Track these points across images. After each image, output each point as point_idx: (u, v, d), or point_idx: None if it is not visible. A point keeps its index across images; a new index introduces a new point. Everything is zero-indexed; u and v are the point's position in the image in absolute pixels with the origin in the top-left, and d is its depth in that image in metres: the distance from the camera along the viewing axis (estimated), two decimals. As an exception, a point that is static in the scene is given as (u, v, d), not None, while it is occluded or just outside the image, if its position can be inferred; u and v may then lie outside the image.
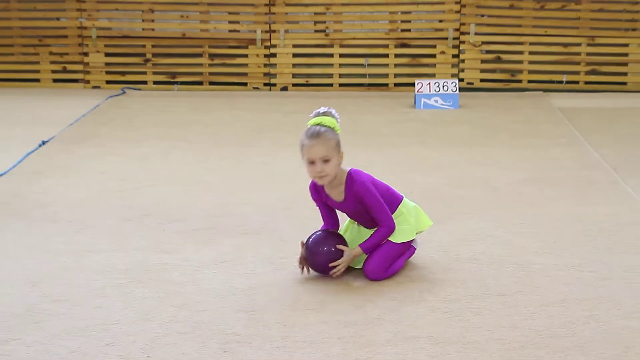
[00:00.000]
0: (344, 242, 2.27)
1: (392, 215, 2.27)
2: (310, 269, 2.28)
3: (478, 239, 2.58)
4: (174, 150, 3.82)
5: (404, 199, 2.34)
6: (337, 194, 2.27)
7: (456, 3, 5.32)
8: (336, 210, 2.34)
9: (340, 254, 2.23)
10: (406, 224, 2.30)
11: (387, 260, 2.26)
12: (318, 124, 2.21)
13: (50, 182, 3.26)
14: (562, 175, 3.34)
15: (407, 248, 2.32)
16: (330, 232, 2.30)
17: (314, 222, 2.64)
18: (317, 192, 2.32)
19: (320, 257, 2.23)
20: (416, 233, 2.34)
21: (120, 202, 2.99)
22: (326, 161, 2.19)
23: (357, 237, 2.34)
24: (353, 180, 2.22)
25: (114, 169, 3.48)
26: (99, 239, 2.60)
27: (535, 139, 4.02)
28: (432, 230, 2.65)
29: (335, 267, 2.23)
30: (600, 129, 4.21)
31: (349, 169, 2.27)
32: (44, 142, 3.87)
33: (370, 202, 2.22)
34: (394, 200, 2.30)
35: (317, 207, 2.35)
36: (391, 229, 2.25)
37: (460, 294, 2.15)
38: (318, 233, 2.29)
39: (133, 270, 2.33)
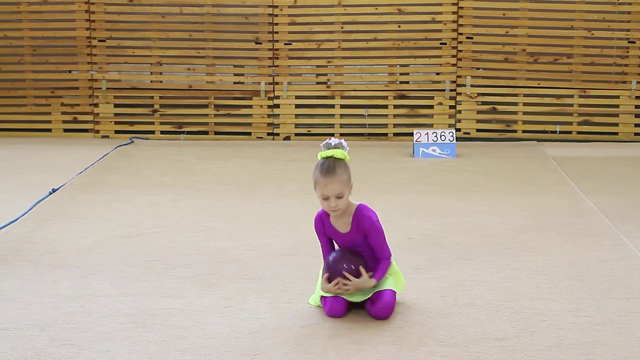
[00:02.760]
0: (364, 264, 2.34)
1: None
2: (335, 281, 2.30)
3: (475, 284, 2.63)
4: (180, 197, 3.90)
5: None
6: (342, 224, 2.35)
7: (453, 56, 5.53)
8: (334, 242, 2.40)
9: (357, 273, 2.30)
10: (400, 274, 2.44)
11: (394, 302, 2.37)
12: (330, 157, 2.29)
13: (60, 228, 3.33)
14: (557, 222, 3.41)
15: None
16: (352, 252, 2.35)
17: (316, 268, 2.71)
18: (322, 223, 2.38)
19: (339, 270, 2.31)
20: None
21: (127, 248, 3.06)
22: (339, 197, 2.29)
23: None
24: (362, 215, 2.31)
25: (121, 215, 3.55)
26: (106, 284, 2.65)
27: (530, 186, 4.12)
28: (430, 276, 2.72)
29: (346, 278, 2.29)
30: (593, 177, 4.31)
31: (358, 203, 2.35)
32: (54, 190, 3.95)
33: (375, 237, 2.33)
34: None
35: (319, 239, 2.41)
36: (389, 259, 2.39)
37: (459, 338, 2.18)
38: (338, 251, 2.36)
39: (139, 315, 2.37)
